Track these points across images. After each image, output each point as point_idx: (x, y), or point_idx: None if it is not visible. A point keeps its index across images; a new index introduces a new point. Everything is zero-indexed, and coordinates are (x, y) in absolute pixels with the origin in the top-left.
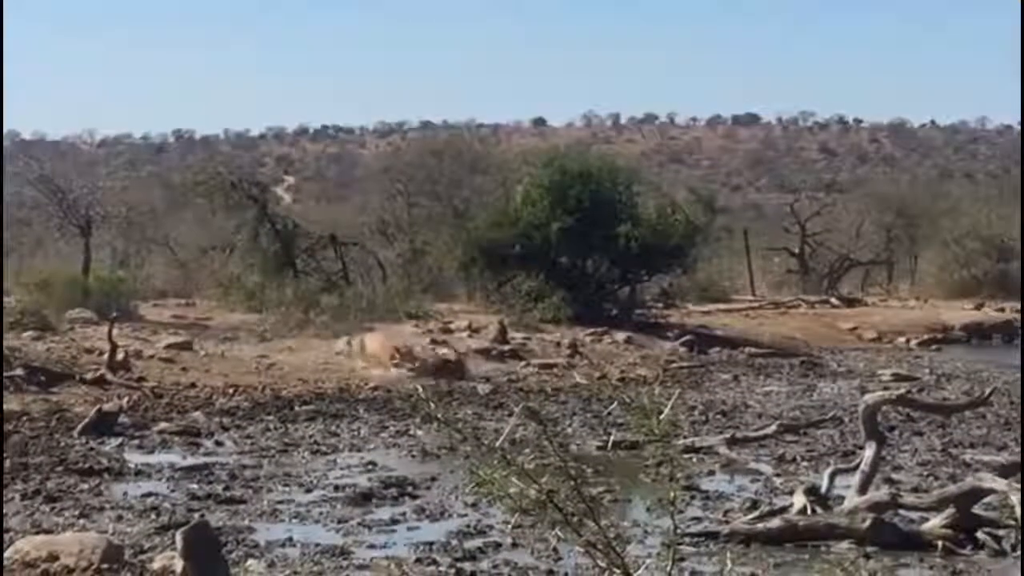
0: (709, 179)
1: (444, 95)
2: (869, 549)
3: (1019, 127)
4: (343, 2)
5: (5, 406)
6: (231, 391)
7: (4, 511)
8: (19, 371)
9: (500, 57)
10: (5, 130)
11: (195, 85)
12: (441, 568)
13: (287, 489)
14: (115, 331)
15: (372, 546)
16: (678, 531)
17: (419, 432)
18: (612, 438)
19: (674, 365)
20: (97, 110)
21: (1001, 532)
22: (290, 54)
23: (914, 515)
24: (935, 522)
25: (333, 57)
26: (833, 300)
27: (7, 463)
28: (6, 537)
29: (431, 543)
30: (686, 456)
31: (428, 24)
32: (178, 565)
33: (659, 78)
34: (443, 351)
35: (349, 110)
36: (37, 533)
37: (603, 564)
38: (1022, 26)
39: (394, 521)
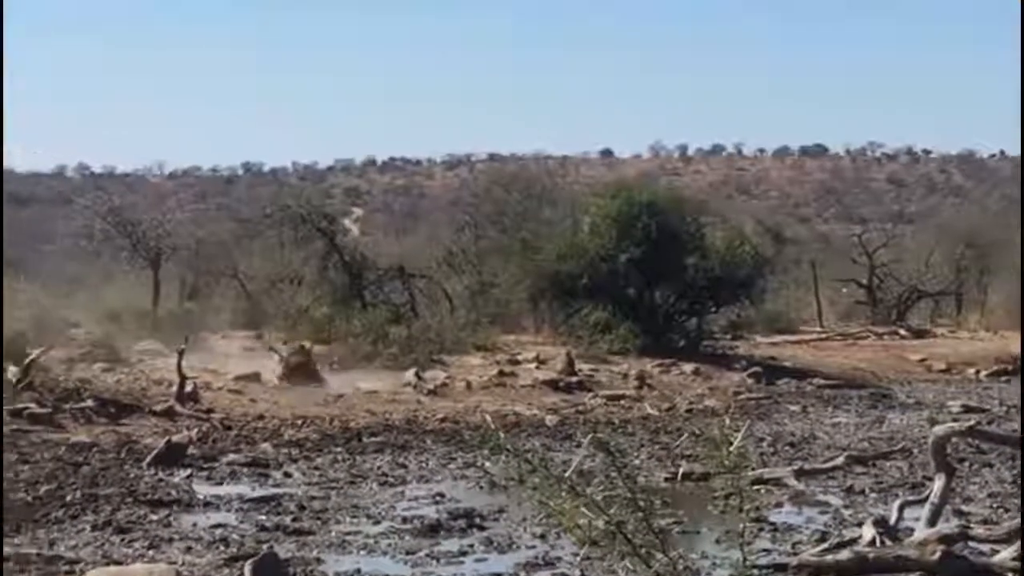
0: (777, 210)
1: (512, 127)
2: None
3: None
4: (412, 36)
5: (75, 437)
6: (299, 422)
7: (76, 542)
8: (89, 403)
9: (568, 88)
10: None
11: (264, 117)
12: None
13: (355, 520)
14: (184, 363)
15: None
16: (747, 563)
17: (487, 464)
18: (681, 469)
19: (742, 396)
20: (167, 143)
21: None
22: (358, 86)
23: (984, 547)
24: (1005, 554)
25: (401, 89)
26: (902, 331)
27: (77, 494)
28: (77, 568)
29: (499, 575)
30: (754, 488)
31: (494, 56)
32: None
33: (727, 109)
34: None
35: (417, 142)
36: (107, 564)
37: None
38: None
39: (462, 553)
